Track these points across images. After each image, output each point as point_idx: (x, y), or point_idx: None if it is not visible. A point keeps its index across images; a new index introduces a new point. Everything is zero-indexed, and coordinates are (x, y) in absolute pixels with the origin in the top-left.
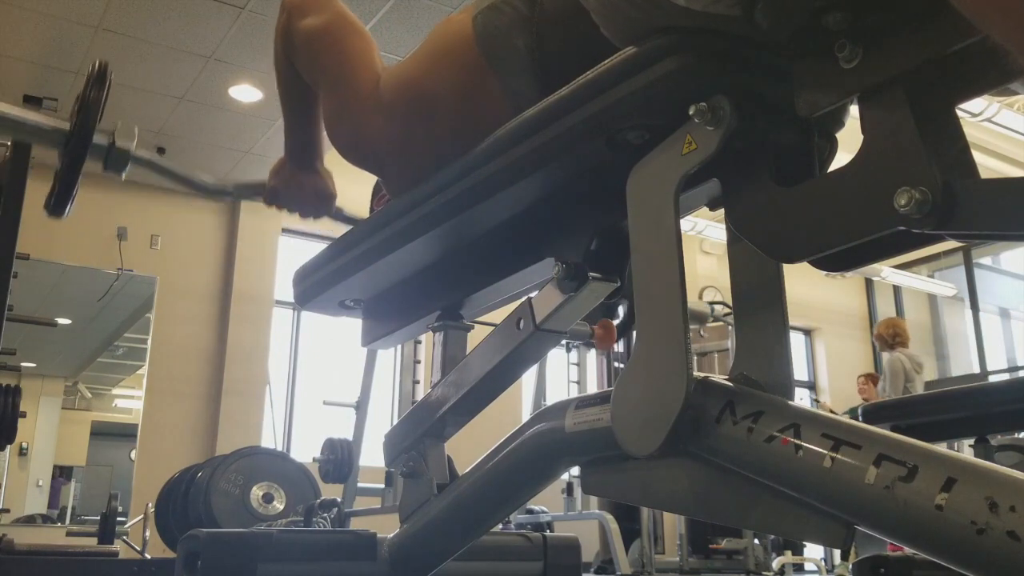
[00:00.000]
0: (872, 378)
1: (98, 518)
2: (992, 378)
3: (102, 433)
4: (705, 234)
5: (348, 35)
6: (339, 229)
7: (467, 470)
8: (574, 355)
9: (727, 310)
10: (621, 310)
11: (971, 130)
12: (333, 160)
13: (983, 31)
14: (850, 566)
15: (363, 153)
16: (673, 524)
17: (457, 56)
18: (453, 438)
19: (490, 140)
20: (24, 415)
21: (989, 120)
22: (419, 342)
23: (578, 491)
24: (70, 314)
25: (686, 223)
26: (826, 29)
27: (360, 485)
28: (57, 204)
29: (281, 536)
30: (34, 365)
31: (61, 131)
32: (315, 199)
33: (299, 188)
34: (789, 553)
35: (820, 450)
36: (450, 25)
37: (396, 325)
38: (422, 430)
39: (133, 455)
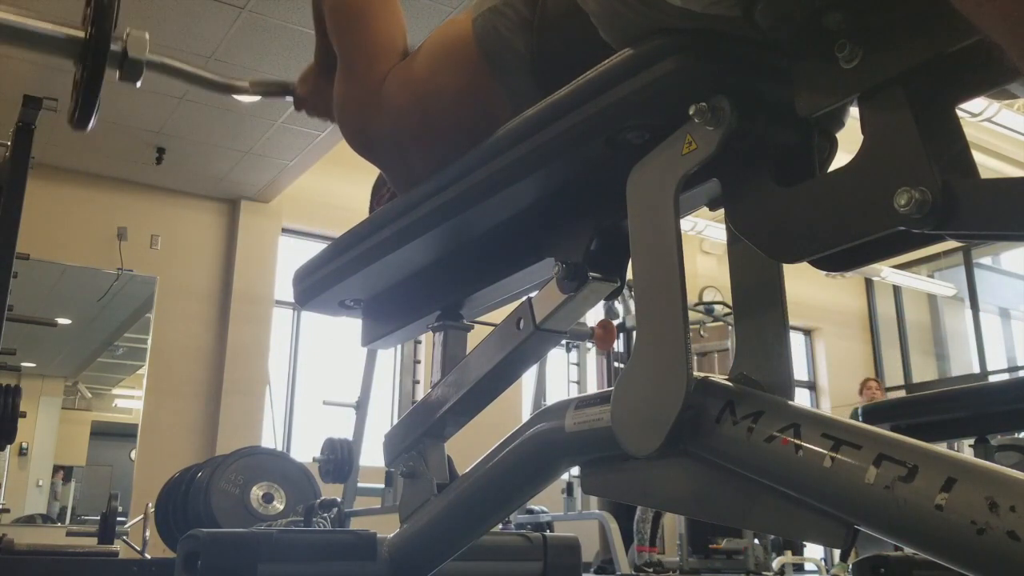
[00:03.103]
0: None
1: (98, 518)
2: (992, 378)
3: (102, 433)
4: (705, 234)
5: (372, 17)
6: (339, 229)
7: (467, 470)
8: (574, 355)
9: (727, 310)
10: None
11: (971, 130)
12: (337, 161)
13: (980, 29)
14: (849, 566)
15: (367, 147)
16: (673, 524)
17: (458, 58)
18: (453, 438)
19: (490, 140)
20: (24, 415)
21: (989, 120)
22: (419, 342)
23: (578, 491)
24: (70, 314)
25: (686, 223)
26: (826, 29)
27: (360, 485)
28: (81, 117)
29: (281, 536)
30: (34, 365)
31: (76, 40)
32: None
33: (325, 95)
34: (789, 553)
35: (820, 450)
36: (450, 27)
37: (396, 325)
38: (422, 430)
39: (133, 455)
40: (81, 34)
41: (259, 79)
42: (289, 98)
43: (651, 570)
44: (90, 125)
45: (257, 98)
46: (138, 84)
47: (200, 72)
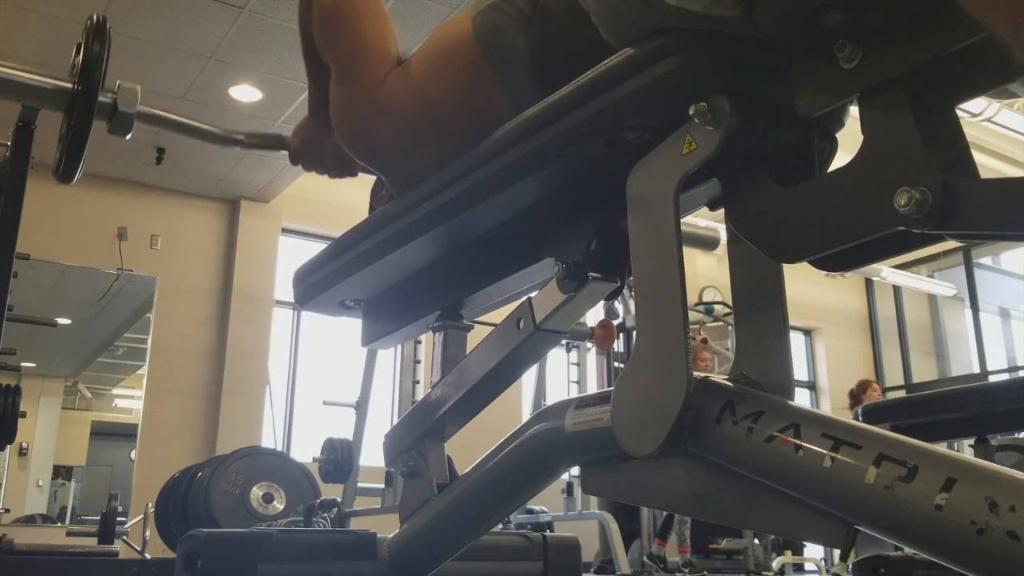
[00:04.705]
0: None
1: (98, 518)
2: (992, 378)
3: (102, 433)
4: None
5: (363, 19)
6: (339, 229)
7: (467, 470)
8: (574, 355)
9: (727, 310)
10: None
11: (971, 130)
12: None
13: (985, 24)
14: (849, 566)
15: (367, 152)
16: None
17: (458, 56)
18: (453, 438)
19: (490, 140)
20: (24, 415)
21: (989, 120)
22: (419, 342)
23: (578, 491)
24: (70, 314)
25: (686, 223)
26: (826, 29)
27: (360, 485)
28: (66, 170)
29: (281, 536)
30: (34, 365)
31: (64, 91)
32: (339, 159)
33: (322, 147)
34: (789, 553)
35: (820, 450)
36: (450, 26)
37: (396, 325)
38: (422, 430)
39: (133, 455)
40: (69, 86)
41: (255, 132)
42: (284, 152)
43: (660, 565)
44: (75, 178)
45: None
46: (128, 137)
47: (194, 123)
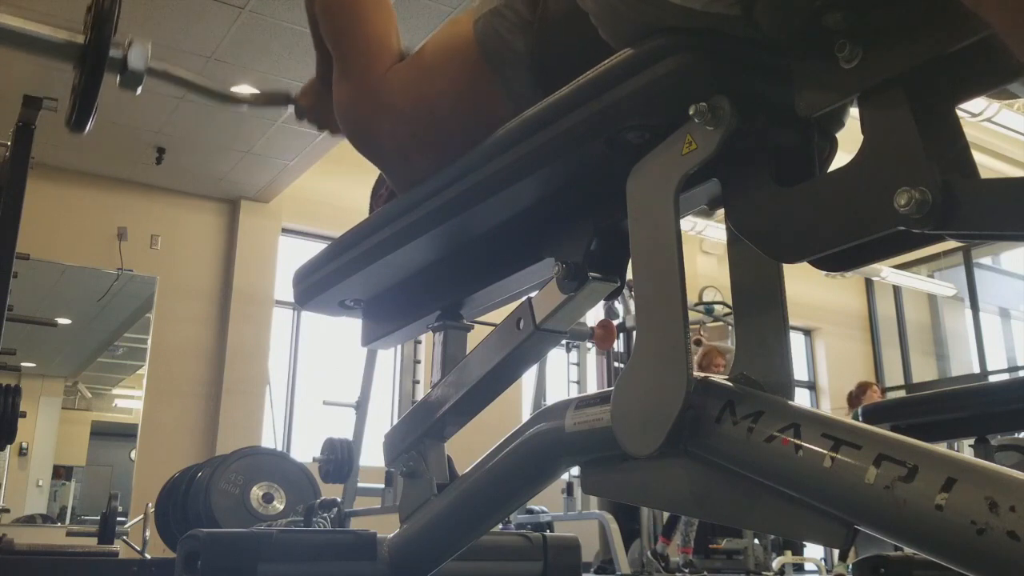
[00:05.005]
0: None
1: (98, 518)
2: (992, 378)
3: (102, 433)
4: (705, 234)
5: (366, 10)
6: (339, 229)
7: (467, 470)
8: (574, 355)
9: (727, 310)
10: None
11: (971, 130)
12: (337, 160)
13: (984, 20)
14: (849, 566)
15: (369, 148)
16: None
17: (459, 59)
18: (453, 438)
19: (490, 140)
20: (24, 415)
21: (989, 120)
22: (419, 342)
23: (578, 491)
24: (70, 314)
25: (686, 223)
26: (826, 29)
27: (360, 485)
28: (78, 120)
29: (281, 536)
30: (34, 365)
31: (76, 44)
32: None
33: (326, 108)
34: (789, 553)
35: (820, 450)
36: (452, 27)
37: (396, 325)
38: (422, 430)
39: (133, 455)
40: (81, 39)
41: (260, 91)
42: (290, 108)
43: (662, 564)
44: (87, 128)
45: (260, 108)
46: (137, 91)
47: (202, 82)
